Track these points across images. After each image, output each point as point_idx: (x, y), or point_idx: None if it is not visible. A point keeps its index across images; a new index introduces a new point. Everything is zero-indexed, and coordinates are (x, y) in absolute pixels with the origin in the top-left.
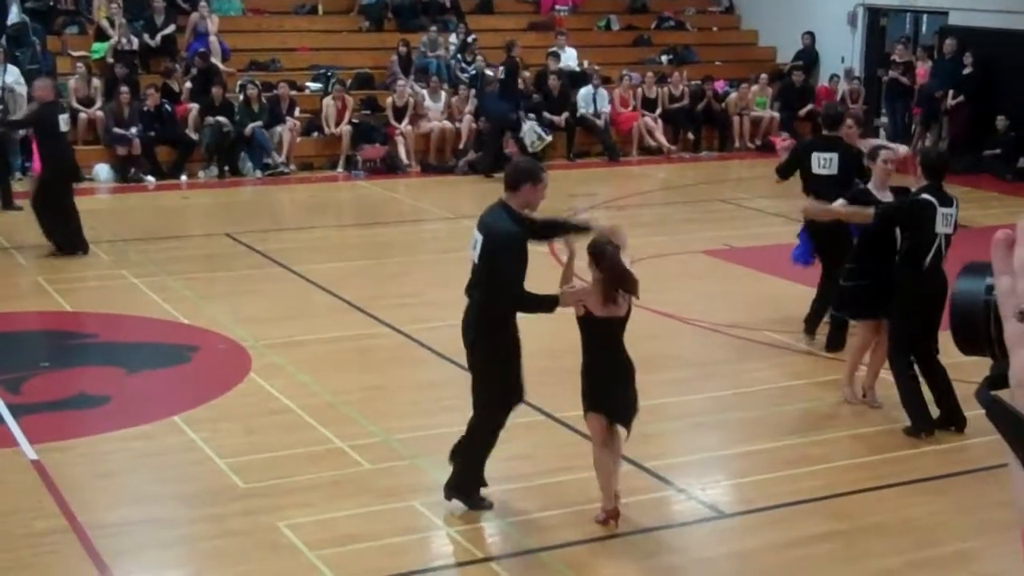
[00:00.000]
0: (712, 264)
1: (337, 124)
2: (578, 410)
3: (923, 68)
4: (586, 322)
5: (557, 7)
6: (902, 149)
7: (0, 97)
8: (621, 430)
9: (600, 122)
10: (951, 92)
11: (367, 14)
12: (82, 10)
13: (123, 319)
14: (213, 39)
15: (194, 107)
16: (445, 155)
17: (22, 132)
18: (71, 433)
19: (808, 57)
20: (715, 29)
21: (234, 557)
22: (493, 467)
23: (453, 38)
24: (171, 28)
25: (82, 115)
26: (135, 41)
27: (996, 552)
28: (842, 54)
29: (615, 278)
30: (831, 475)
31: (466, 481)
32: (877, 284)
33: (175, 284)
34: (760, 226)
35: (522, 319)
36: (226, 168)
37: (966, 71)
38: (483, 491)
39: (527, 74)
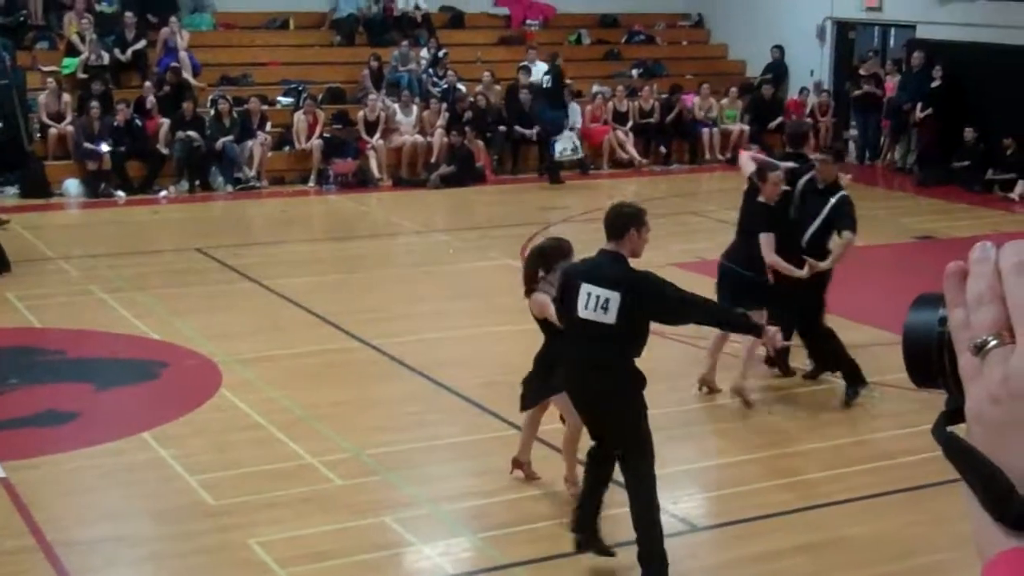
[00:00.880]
0: (683, 277)
1: (308, 138)
2: (551, 423)
3: (891, 81)
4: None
5: (528, 21)
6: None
7: None
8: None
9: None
10: (919, 105)
11: (338, 29)
12: (52, 25)
13: (92, 335)
14: (184, 54)
15: (165, 122)
16: (417, 169)
17: None
18: (39, 450)
19: (777, 70)
20: (685, 43)
21: (204, 575)
22: (465, 481)
23: (424, 52)
24: (142, 43)
25: (52, 130)
26: (106, 56)
27: (969, 564)
28: (811, 67)
29: None
30: (803, 488)
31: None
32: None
33: (145, 299)
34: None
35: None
36: (197, 183)
37: (934, 84)
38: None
39: (570, 82)
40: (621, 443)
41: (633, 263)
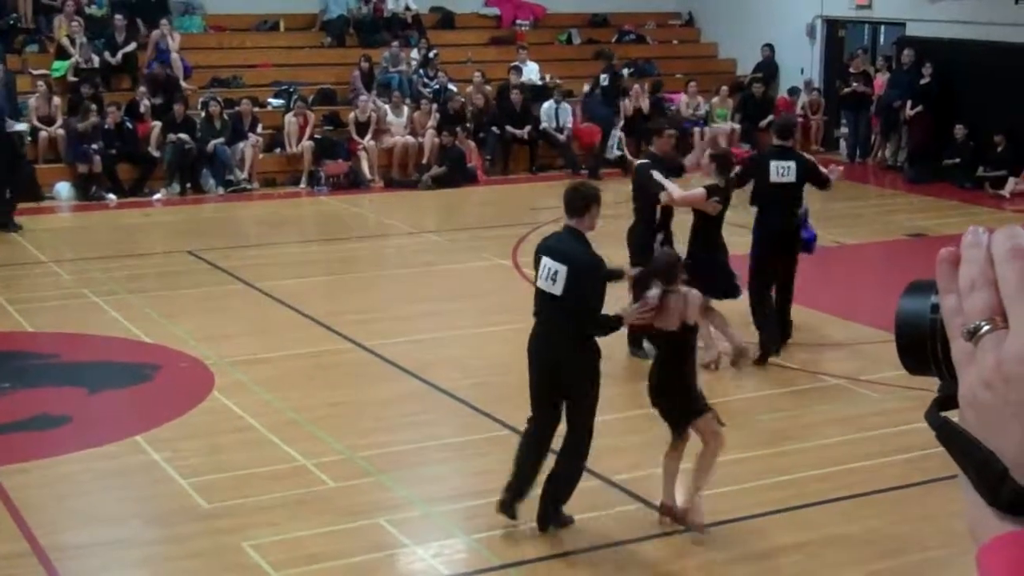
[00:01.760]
0: None
1: (299, 140)
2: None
3: (881, 79)
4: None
5: (518, 21)
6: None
7: None
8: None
9: (562, 136)
10: (910, 102)
11: (329, 30)
12: (42, 28)
13: (84, 338)
14: (175, 56)
15: (156, 124)
16: (408, 170)
17: None
18: (32, 454)
19: (768, 69)
20: (675, 42)
21: None
22: (458, 482)
23: (415, 53)
24: (132, 46)
25: (43, 133)
26: (96, 59)
27: (961, 561)
28: (801, 66)
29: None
30: (796, 486)
31: (565, 498)
32: None
33: (137, 302)
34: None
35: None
36: (188, 185)
37: (924, 81)
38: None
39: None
40: (572, 407)
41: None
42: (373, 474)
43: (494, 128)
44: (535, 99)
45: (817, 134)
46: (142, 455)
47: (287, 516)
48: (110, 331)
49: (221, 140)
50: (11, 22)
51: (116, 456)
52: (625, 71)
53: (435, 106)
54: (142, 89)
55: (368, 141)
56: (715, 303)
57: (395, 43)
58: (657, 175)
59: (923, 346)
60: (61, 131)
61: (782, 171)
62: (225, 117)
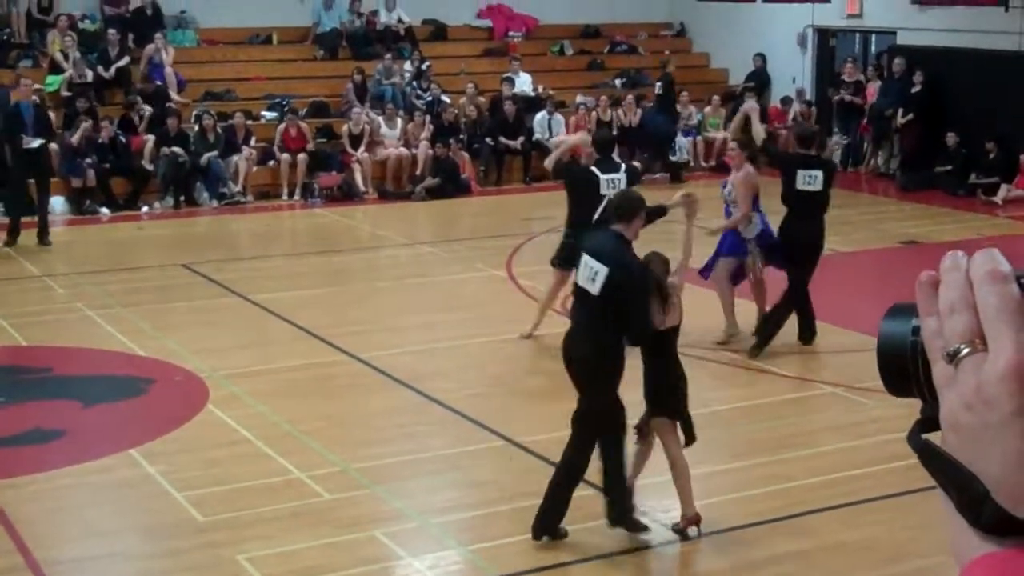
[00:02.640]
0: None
1: (293, 152)
2: (538, 434)
3: (873, 87)
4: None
5: (511, 33)
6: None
7: None
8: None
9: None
10: (901, 110)
11: (321, 43)
12: (36, 43)
13: (78, 352)
14: (169, 70)
15: (150, 138)
16: (402, 182)
17: None
18: (26, 469)
19: (760, 78)
20: (667, 52)
21: None
22: (454, 494)
23: (408, 65)
24: (125, 60)
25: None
26: (89, 74)
27: (956, 568)
28: (793, 75)
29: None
30: (793, 494)
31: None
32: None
33: (131, 316)
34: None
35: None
36: (182, 199)
37: (915, 89)
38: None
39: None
40: (589, 409)
41: None
42: (368, 486)
43: (487, 139)
44: (528, 110)
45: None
46: (137, 469)
47: (282, 529)
48: (104, 345)
49: (215, 153)
50: (4, 36)
51: (110, 470)
52: (617, 82)
53: (428, 118)
54: (138, 100)
55: (362, 153)
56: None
57: (388, 56)
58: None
59: (904, 368)
60: (55, 145)
61: (809, 180)
62: (219, 130)
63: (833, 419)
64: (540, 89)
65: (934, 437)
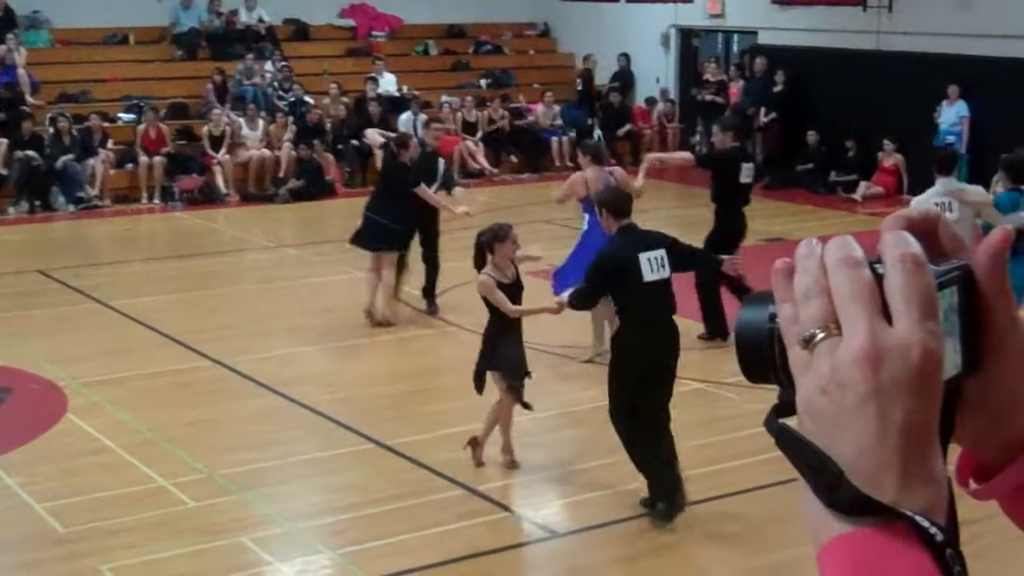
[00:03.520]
0: (538, 285)
1: (152, 155)
2: (406, 437)
3: (735, 87)
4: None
5: (374, 33)
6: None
7: None
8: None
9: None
10: (763, 109)
11: (180, 43)
12: None
13: None
14: (21, 72)
15: (3, 142)
16: (264, 184)
17: None
18: None
19: (624, 78)
20: (532, 52)
21: None
22: (322, 498)
23: (269, 66)
24: None
25: None
26: None
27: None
28: (657, 75)
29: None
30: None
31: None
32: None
33: None
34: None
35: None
36: (37, 203)
37: (777, 89)
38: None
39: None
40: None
41: None
42: (234, 492)
43: (352, 140)
44: (393, 110)
45: (674, 142)
46: None
47: (147, 538)
48: None
49: (71, 156)
50: None
51: None
52: (482, 82)
53: (291, 119)
54: None
55: (223, 155)
56: None
57: (249, 56)
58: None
59: (761, 354)
60: None
61: (748, 172)
62: (74, 133)
63: (699, 415)
64: (405, 89)
65: (791, 423)
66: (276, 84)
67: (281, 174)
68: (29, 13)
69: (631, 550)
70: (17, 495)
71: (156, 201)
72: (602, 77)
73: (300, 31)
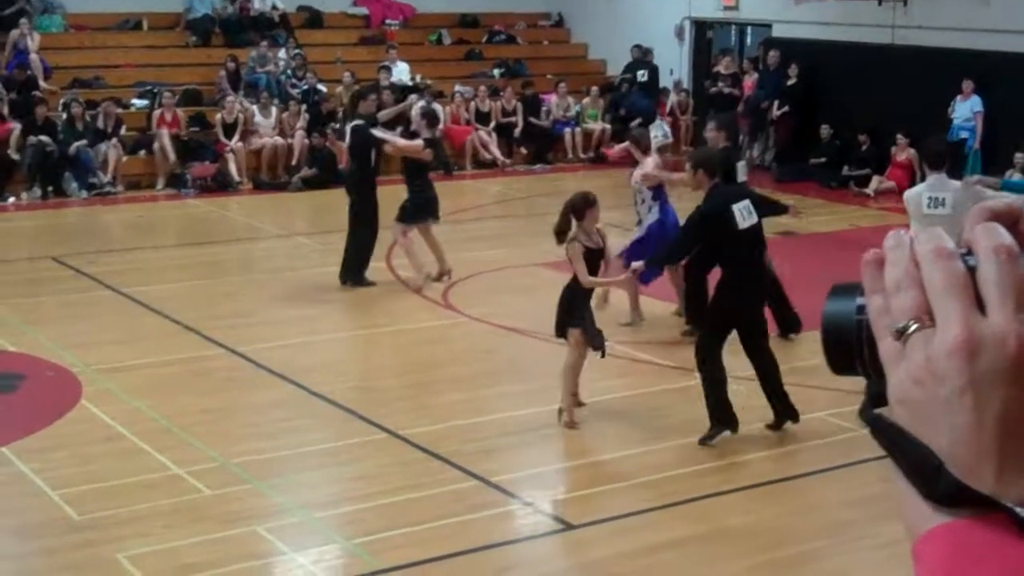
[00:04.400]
0: (552, 277)
1: (166, 140)
2: (420, 427)
3: (749, 80)
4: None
5: (388, 21)
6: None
7: None
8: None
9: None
10: (776, 103)
11: (194, 29)
12: None
13: None
14: (34, 56)
15: (16, 126)
16: (277, 172)
17: None
18: None
19: (638, 70)
20: (546, 43)
21: None
22: (336, 487)
23: (282, 53)
24: None
25: None
26: None
27: (839, 551)
28: (671, 67)
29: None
30: (677, 482)
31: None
32: None
33: None
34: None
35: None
36: (50, 189)
37: (790, 82)
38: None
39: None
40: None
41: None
42: (248, 481)
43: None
44: (406, 99)
45: (687, 134)
46: (9, 467)
47: (161, 526)
48: None
49: (83, 142)
50: None
51: None
52: (496, 72)
53: (304, 107)
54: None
55: (236, 142)
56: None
57: (263, 43)
58: (379, 131)
59: (849, 347)
60: None
61: (742, 172)
62: (87, 118)
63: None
64: (418, 78)
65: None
66: (289, 72)
67: (294, 162)
68: None
69: (645, 543)
70: (32, 482)
71: (169, 188)
72: (615, 68)
73: (314, 19)
